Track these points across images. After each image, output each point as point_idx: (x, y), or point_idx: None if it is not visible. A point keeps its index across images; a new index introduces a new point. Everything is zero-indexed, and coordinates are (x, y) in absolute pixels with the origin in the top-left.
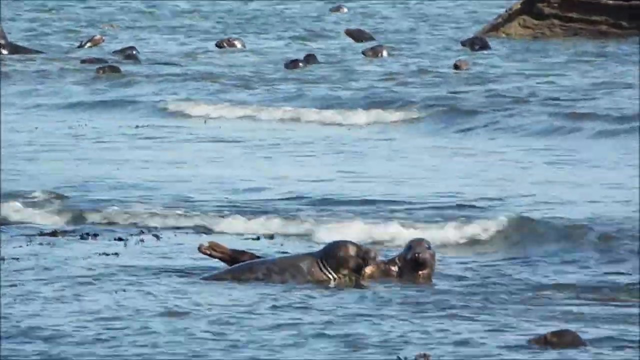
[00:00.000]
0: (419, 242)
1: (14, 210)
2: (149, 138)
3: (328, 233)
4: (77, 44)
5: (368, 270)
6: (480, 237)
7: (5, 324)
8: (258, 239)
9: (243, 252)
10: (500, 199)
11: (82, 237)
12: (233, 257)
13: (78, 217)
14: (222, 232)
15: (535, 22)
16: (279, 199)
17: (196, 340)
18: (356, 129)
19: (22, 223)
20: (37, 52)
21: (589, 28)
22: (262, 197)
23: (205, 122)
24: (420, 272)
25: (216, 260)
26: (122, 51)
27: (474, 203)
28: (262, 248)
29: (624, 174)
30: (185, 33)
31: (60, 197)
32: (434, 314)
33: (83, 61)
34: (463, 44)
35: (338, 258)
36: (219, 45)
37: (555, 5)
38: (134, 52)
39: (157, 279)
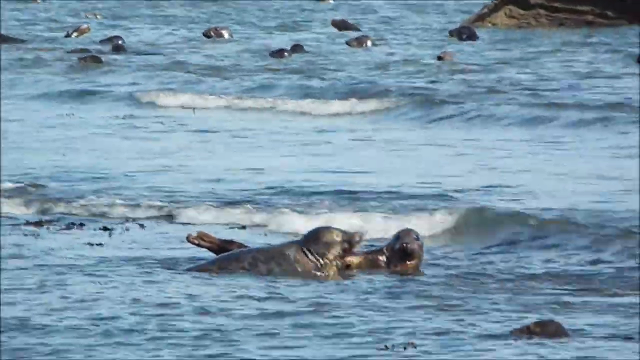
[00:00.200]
0: (407, 232)
1: None
2: (124, 128)
3: (300, 223)
4: (64, 33)
5: (355, 260)
6: (450, 227)
7: None
8: (244, 227)
9: (231, 242)
10: (475, 189)
11: (67, 227)
12: (221, 247)
13: (45, 209)
14: (189, 223)
15: (521, 12)
16: (250, 189)
17: (181, 331)
18: (330, 119)
19: None
20: (21, 41)
21: (575, 18)
22: (234, 187)
23: (194, 112)
24: (408, 263)
25: (204, 250)
26: (109, 40)
27: (444, 193)
28: (246, 238)
29: (600, 164)
30: (173, 22)
31: (32, 187)
32: (417, 303)
33: (70, 51)
34: (451, 33)
35: (323, 243)
36: (206, 34)
37: None
38: (120, 41)
39: (142, 269)
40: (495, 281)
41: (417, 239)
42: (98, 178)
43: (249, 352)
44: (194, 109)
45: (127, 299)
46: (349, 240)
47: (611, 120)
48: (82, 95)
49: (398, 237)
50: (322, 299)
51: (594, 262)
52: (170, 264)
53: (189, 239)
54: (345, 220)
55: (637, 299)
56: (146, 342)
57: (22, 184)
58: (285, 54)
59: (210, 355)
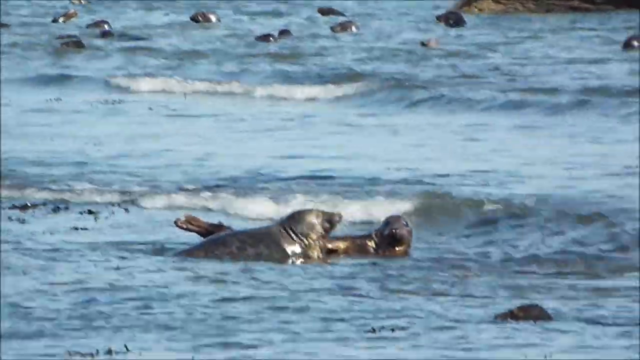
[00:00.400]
0: (396, 218)
1: None
2: (97, 113)
3: (268, 208)
4: (51, 18)
5: (342, 245)
6: (419, 211)
7: None
8: (210, 210)
9: (220, 226)
10: (445, 175)
11: (53, 210)
12: (209, 231)
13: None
14: (151, 208)
15: None
16: (216, 176)
17: (165, 316)
18: (304, 104)
19: None
20: (4, 25)
21: (562, 3)
22: (201, 172)
23: (185, 97)
24: (397, 249)
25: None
26: (95, 24)
27: (412, 178)
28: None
29: (575, 149)
30: (161, 7)
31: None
32: (399, 288)
33: (57, 37)
34: (438, 19)
35: (305, 223)
36: (193, 18)
37: None
38: (106, 26)
39: (128, 254)
40: (478, 265)
41: (407, 225)
42: (65, 164)
43: (236, 335)
44: (185, 93)
45: (109, 283)
46: (330, 220)
47: (589, 105)
48: (60, 80)
49: (387, 223)
50: (306, 283)
51: (571, 246)
52: (155, 250)
53: (177, 223)
54: (312, 206)
55: (619, 281)
56: (128, 328)
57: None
58: (271, 39)
59: (195, 341)
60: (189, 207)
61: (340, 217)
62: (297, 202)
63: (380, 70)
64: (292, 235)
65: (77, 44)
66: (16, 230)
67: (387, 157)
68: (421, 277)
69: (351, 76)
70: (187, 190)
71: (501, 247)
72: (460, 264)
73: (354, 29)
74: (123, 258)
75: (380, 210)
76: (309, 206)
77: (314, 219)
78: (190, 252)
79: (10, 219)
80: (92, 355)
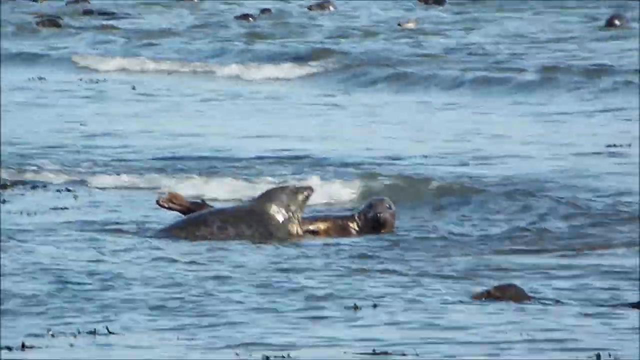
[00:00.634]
0: (380, 201)
1: None
2: (57, 91)
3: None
4: None
5: (322, 226)
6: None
7: None
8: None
9: (202, 204)
10: (394, 158)
11: (32, 188)
12: (191, 210)
13: None
14: (99, 187)
15: None
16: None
17: (146, 296)
18: (261, 83)
19: None
20: None
21: None
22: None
23: (169, 74)
24: (380, 231)
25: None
26: (76, 1)
27: (361, 160)
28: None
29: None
30: None
31: None
32: (371, 267)
33: (36, 15)
34: None
35: (282, 200)
36: None
37: None
38: (88, 4)
39: (107, 234)
40: (453, 244)
41: (390, 207)
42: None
43: (219, 315)
44: (169, 72)
45: (88, 264)
46: (302, 194)
47: (552, 84)
48: (26, 59)
49: (371, 205)
50: (286, 262)
51: (541, 223)
52: (134, 229)
53: (159, 201)
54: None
55: (592, 259)
56: (109, 308)
57: None
58: (250, 19)
59: (178, 321)
60: (147, 188)
61: (312, 190)
62: (262, 182)
63: (354, 50)
64: (272, 212)
65: (52, 23)
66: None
67: (343, 137)
68: (398, 257)
69: (317, 55)
70: (137, 171)
71: (475, 226)
72: (436, 244)
73: (331, 8)
74: (99, 239)
75: (337, 191)
76: (273, 185)
77: (288, 194)
78: (170, 231)
79: None
80: (74, 335)
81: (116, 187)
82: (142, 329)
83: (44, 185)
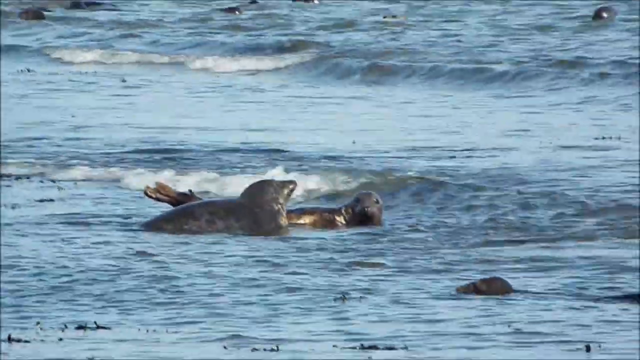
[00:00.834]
0: (367, 195)
1: None
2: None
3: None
4: None
5: (308, 220)
6: (349, 188)
7: None
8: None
9: (189, 196)
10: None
11: (17, 179)
12: (179, 201)
13: None
14: (66, 180)
15: None
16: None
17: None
18: (230, 76)
19: None
20: None
21: None
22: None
23: (138, 65)
24: (367, 225)
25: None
26: None
27: (329, 154)
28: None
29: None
30: None
31: None
32: (360, 260)
33: (21, 7)
34: None
35: (268, 194)
36: None
37: None
38: None
39: (94, 226)
40: (435, 237)
41: (377, 202)
42: None
43: (204, 309)
44: (139, 64)
45: (74, 257)
46: (287, 188)
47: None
48: (6, 51)
49: (358, 199)
50: (274, 255)
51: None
52: (121, 222)
53: (146, 192)
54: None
55: (576, 251)
56: (97, 302)
57: None
58: (237, 12)
59: (163, 315)
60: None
61: (296, 184)
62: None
63: (327, 42)
64: (261, 205)
65: (36, 14)
66: None
67: (313, 129)
68: (381, 250)
69: (294, 47)
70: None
71: (457, 219)
72: (420, 237)
73: (316, 1)
74: (83, 232)
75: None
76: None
77: (275, 188)
78: (158, 224)
79: None
80: (62, 329)
81: (79, 179)
82: (131, 323)
83: (27, 177)
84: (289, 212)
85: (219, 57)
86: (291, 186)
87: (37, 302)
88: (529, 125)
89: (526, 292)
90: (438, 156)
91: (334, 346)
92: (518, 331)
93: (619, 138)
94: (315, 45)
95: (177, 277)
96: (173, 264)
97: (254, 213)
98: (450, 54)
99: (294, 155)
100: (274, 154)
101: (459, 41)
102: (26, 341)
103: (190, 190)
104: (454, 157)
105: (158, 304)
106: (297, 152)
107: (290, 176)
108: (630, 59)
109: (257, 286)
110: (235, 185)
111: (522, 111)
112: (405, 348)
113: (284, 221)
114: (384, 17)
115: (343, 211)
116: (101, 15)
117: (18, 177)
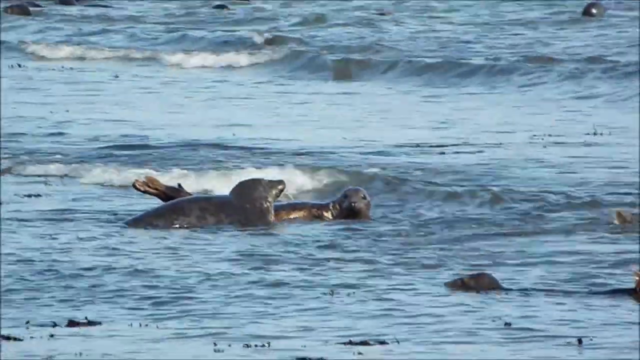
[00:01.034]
0: (355, 191)
1: None
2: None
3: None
4: None
5: (297, 215)
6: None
7: None
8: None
9: (178, 190)
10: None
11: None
12: (168, 195)
13: None
14: (31, 175)
15: None
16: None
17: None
18: (194, 71)
19: None
20: None
21: None
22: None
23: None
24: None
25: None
26: None
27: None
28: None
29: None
30: None
31: None
32: (338, 255)
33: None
34: None
35: (258, 192)
36: None
37: None
38: None
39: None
40: (419, 234)
41: (364, 197)
42: None
43: (194, 304)
44: (108, 59)
45: (65, 253)
46: (276, 188)
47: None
48: None
49: (346, 195)
50: (262, 251)
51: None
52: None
53: (135, 185)
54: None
55: (558, 245)
56: (86, 298)
57: None
58: (226, 9)
59: (153, 311)
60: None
61: (284, 185)
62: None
63: (320, 38)
64: (252, 203)
65: (22, 10)
66: None
67: (284, 125)
68: (369, 246)
69: (270, 43)
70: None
71: (439, 214)
72: (402, 233)
73: None
74: (71, 228)
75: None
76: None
77: (265, 187)
78: (147, 220)
79: None
80: (52, 326)
81: (55, 175)
82: (121, 319)
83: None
84: (279, 207)
85: (197, 53)
86: (280, 186)
87: (28, 298)
88: (512, 120)
89: (512, 286)
90: (421, 152)
91: (326, 341)
92: (507, 326)
93: (602, 134)
94: (295, 41)
95: (166, 273)
96: (163, 260)
97: (244, 209)
98: (429, 49)
99: (269, 151)
100: (249, 151)
101: (439, 37)
102: (17, 339)
103: (179, 184)
104: (444, 153)
105: (148, 299)
106: (269, 148)
107: (275, 172)
108: (608, 55)
109: (246, 282)
110: (210, 182)
111: (504, 107)
112: (398, 342)
113: (272, 219)
114: (380, 14)
115: (331, 207)
116: (89, 11)
117: None
